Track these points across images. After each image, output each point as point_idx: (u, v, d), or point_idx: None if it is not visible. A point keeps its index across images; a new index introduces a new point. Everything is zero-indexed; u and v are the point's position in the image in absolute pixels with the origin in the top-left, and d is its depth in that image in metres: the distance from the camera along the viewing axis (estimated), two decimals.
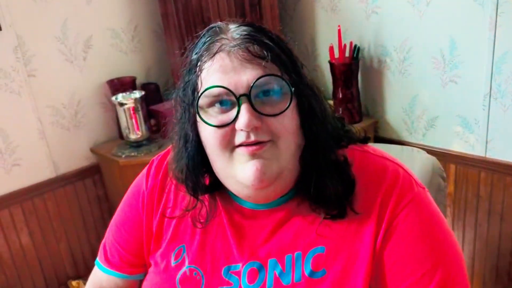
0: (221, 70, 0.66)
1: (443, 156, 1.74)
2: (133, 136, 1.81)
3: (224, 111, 0.67)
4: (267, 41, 0.68)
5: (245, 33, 0.68)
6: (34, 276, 1.90)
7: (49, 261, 1.93)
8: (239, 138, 0.66)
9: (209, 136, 0.68)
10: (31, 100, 1.79)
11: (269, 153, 0.66)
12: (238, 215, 0.77)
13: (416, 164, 1.18)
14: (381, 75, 1.92)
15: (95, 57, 1.92)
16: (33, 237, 1.87)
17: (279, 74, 0.67)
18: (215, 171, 0.73)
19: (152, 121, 1.95)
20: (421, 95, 1.82)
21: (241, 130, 0.65)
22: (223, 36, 0.69)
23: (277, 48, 0.68)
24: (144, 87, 2.00)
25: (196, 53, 0.71)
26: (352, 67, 1.88)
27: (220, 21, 0.73)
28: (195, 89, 0.69)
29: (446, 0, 1.64)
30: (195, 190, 0.76)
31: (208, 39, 0.70)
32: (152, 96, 1.99)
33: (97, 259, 0.92)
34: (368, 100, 2.01)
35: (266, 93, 0.67)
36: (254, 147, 0.66)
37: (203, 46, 0.70)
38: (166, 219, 0.82)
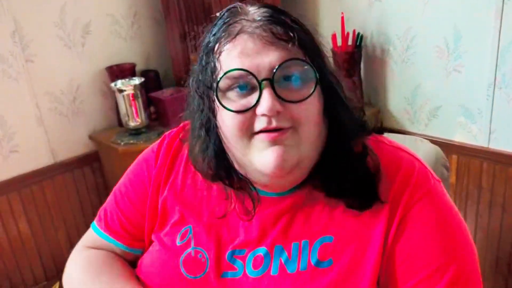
0: (243, 52, 0.63)
1: (445, 147, 1.69)
2: (132, 124, 1.79)
3: (243, 95, 0.64)
4: (291, 23, 0.65)
5: (267, 14, 0.65)
6: (32, 264, 1.89)
7: (47, 249, 1.92)
8: (260, 124, 0.64)
9: (228, 122, 0.65)
10: (29, 86, 1.76)
11: (290, 140, 0.64)
12: (248, 200, 0.75)
13: (419, 153, 1.14)
14: (384, 64, 1.90)
15: (94, 43, 1.89)
16: (31, 224, 1.86)
17: (304, 58, 0.64)
18: (232, 158, 0.71)
19: (152, 109, 1.93)
20: (424, 85, 1.80)
21: (263, 115, 0.63)
22: (244, 17, 0.66)
23: (301, 31, 0.65)
24: (143, 74, 1.98)
25: (214, 35, 0.67)
26: (355, 56, 1.85)
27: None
28: (213, 72, 0.66)
29: None
30: (231, 182, 0.73)
31: (227, 20, 0.67)
32: (152, 83, 1.97)
33: (94, 222, 0.88)
34: (370, 89, 1.99)
35: (287, 78, 0.64)
36: (275, 134, 0.63)
37: (221, 27, 0.67)
38: (170, 199, 0.79)
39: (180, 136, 0.83)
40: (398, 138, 1.24)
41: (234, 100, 0.65)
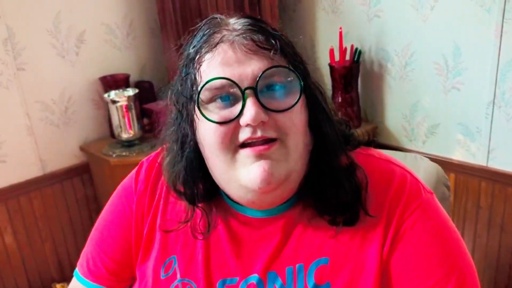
0: (224, 62, 0.61)
1: (443, 165, 1.66)
2: (125, 135, 1.75)
3: (226, 106, 0.61)
4: (272, 31, 0.63)
5: (248, 23, 0.63)
6: (17, 278, 1.82)
7: (33, 263, 1.86)
8: (244, 134, 0.60)
9: (209, 135, 0.62)
10: (19, 95, 1.72)
11: (278, 154, 0.61)
12: (236, 223, 0.71)
13: (420, 171, 1.14)
14: (382, 80, 1.88)
15: (88, 52, 1.86)
16: (17, 237, 1.80)
17: (287, 66, 0.62)
18: (213, 175, 0.67)
19: (145, 120, 1.89)
20: (422, 102, 1.78)
21: (247, 125, 0.59)
22: (224, 27, 0.64)
23: (282, 39, 0.63)
24: (138, 85, 1.94)
25: (194, 46, 0.65)
26: (353, 71, 1.83)
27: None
28: (194, 83, 0.63)
29: (451, 5, 1.60)
30: (193, 197, 0.70)
31: (207, 31, 0.65)
32: (146, 94, 1.94)
33: (77, 270, 0.83)
34: (367, 105, 1.97)
35: (270, 87, 0.62)
36: (261, 147, 0.60)
37: (202, 38, 0.65)
38: (156, 228, 0.75)
39: (159, 160, 0.78)
40: (398, 155, 1.22)
41: (216, 112, 0.62)
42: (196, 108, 0.62)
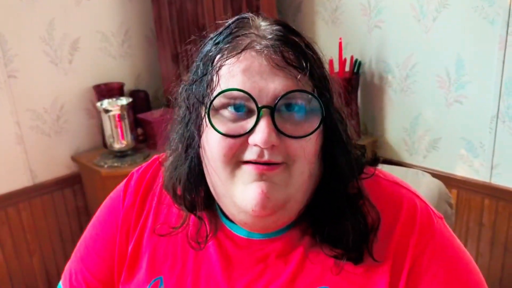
0: (247, 71, 0.55)
1: (445, 180, 1.61)
2: (117, 145, 1.70)
3: (237, 118, 0.56)
4: (305, 48, 0.57)
5: (281, 33, 0.57)
6: None
7: (20, 277, 1.80)
8: (250, 154, 0.56)
9: (213, 144, 0.57)
10: (10, 103, 1.67)
11: (280, 178, 0.56)
12: (229, 242, 0.65)
13: (421, 188, 1.09)
14: (382, 92, 1.83)
15: (82, 60, 1.82)
16: (4, 249, 1.74)
17: (313, 91, 0.56)
18: (210, 185, 0.62)
19: (139, 130, 1.84)
20: (424, 115, 1.73)
21: (255, 145, 0.55)
22: (254, 31, 0.58)
23: (314, 59, 0.58)
24: (132, 94, 1.90)
25: (217, 43, 0.59)
26: (352, 82, 1.79)
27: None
28: (209, 86, 0.58)
29: (454, 16, 1.56)
30: (193, 204, 0.65)
31: (235, 30, 0.59)
32: (141, 104, 1.90)
33: (60, 283, 0.79)
34: (367, 117, 1.92)
35: (290, 107, 0.56)
36: (264, 167, 0.55)
37: (227, 37, 0.59)
38: (142, 244, 0.70)
39: (160, 160, 0.74)
40: (400, 171, 1.17)
41: (226, 121, 0.57)
42: (206, 114, 0.57)
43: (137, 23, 1.94)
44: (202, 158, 0.61)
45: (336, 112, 0.61)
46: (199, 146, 0.61)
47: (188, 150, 0.62)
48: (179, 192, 0.66)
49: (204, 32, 0.65)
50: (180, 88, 0.64)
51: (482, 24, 1.50)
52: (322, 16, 1.94)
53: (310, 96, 0.56)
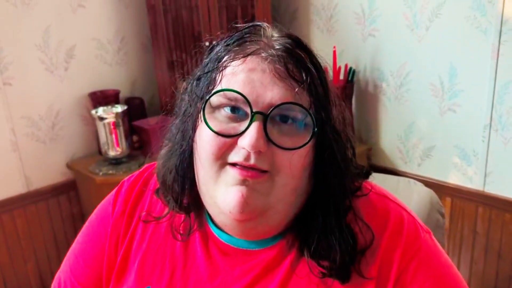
0: (248, 75, 0.57)
1: (438, 188, 1.65)
2: (112, 153, 1.71)
3: (232, 119, 0.58)
4: (309, 64, 0.58)
5: (289, 46, 0.58)
6: None
7: (14, 283, 1.79)
8: (237, 156, 0.57)
9: (204, 141, 0.59)
10: (5, 110, 1.68)
11: (262, 186, 0.57)
12: (216, 249, 0.66)
13: (413, 197, 1.09)
14: (377, 100, 1.84)
15: (77, 67, 1.82)
16: None
17: (308, 106, 0.57)
18: (197, 181, 0.63)
19: (134, 138, 1.85)
20: (418, 123, 1.74)
21: (243, 148, 0.56)
22: (264, 39, 0.60)
23: (316, 76, 0.59)
24: (128, 101, 1.91)
25: (227, 45, 0.61)
26: (346, 91, 1.80)
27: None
28: (211, 83, 0.60)
29: (447, 26, 1.57)
30: (180, 197, 0.66)
31: (246, 35, 0.61)
32: (136, 111, 1.90)
33: None
34: (361, 125, 1.93)
35: (284, 118, 0.57)
36: (249, 172, 0.56)
37: (237, 41, 0.61)
38: (131, 254, 0.70)
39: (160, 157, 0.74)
40: (392, 180, 1.17)
41: (221, 120, 0.58)
42: (201, 109, 0.59)
43: (133, 31, 1.95)
44: (194, 152, 0.63)
45: (334, 132, 0.61)
46: (192, 140, 0.63)
47: (183, 142, 0.64)
48: (169, 183, 0.66)
49: (203, 43, 0.67)
50: (185, 82, 0.65)
51: (474, 33, 1.51)
52: (317, 24, 1.95)
53: (305, 112, 0.57)
